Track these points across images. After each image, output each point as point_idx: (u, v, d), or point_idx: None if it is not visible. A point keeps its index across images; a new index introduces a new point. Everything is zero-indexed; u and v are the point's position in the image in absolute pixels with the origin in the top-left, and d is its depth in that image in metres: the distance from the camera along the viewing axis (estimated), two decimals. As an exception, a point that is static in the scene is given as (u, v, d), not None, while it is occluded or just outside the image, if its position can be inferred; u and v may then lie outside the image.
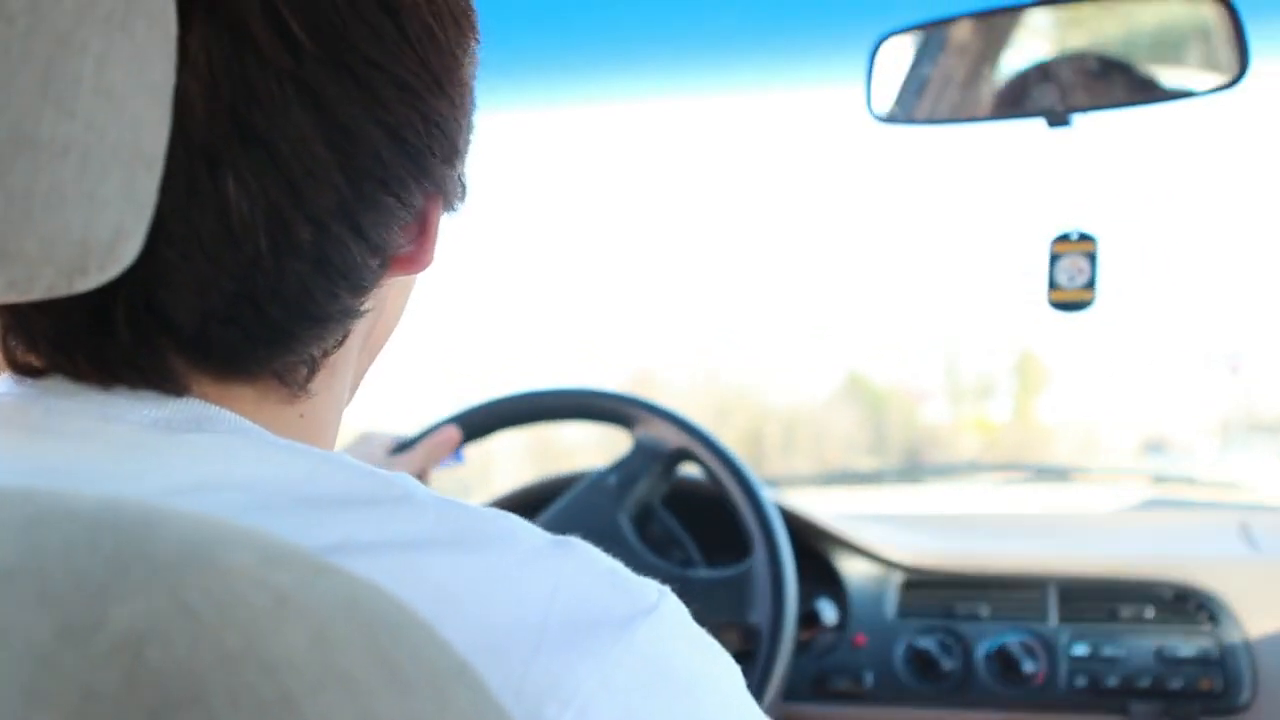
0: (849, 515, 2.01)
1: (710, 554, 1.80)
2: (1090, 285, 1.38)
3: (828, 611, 1.85)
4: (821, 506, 2.00)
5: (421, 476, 1.64)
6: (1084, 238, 1.39)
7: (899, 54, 1.25)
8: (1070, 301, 1.39)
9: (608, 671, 0.54)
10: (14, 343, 0.60)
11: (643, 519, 1.73)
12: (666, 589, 0.60)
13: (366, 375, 0.75)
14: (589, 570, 0.58)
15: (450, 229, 0.71)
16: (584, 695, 0.54)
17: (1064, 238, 1.39)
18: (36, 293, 0.43)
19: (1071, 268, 1.38)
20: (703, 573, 1.70)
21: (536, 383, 1.80)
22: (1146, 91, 1.18)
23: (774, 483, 2.31)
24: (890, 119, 1.24)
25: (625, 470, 1.72)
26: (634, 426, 1.75)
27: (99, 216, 0.43)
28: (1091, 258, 1.38)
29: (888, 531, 1.97)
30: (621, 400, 1.76)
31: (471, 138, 0.68)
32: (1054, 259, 1.39)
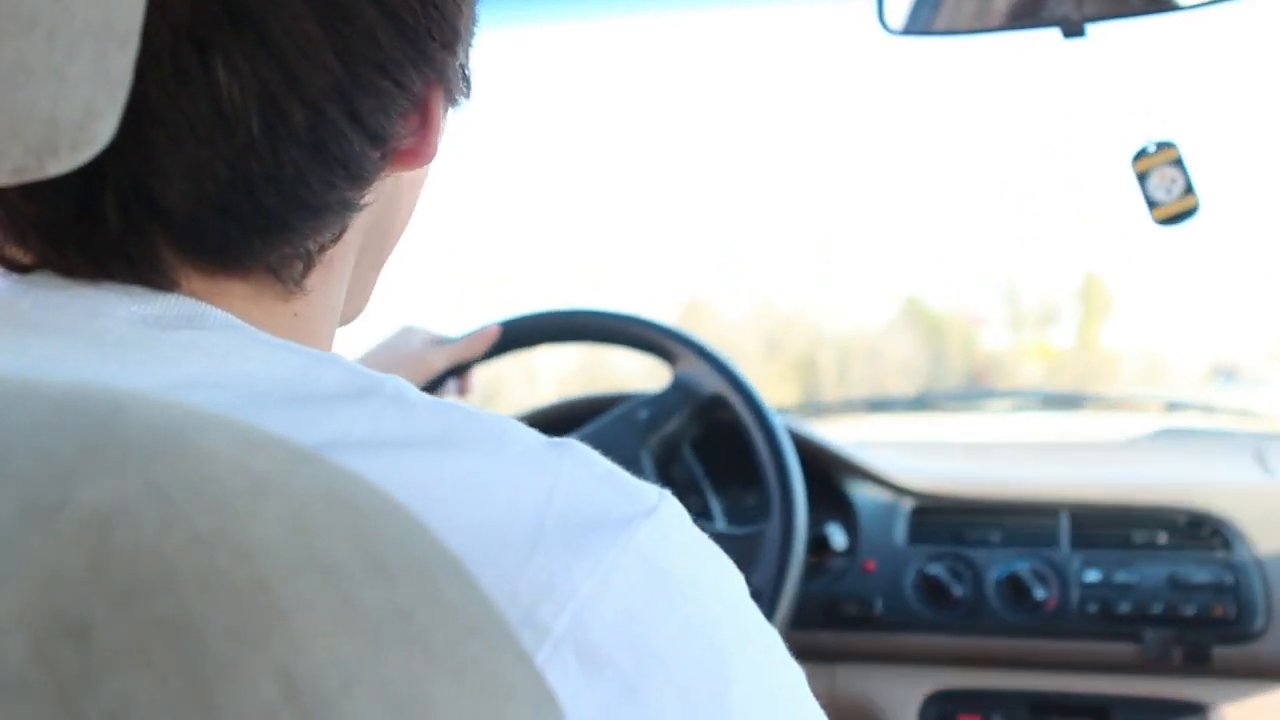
0: (862, 443, 2.00)
1: (729, 497, 1.79)
2: (1190, 189, 1.33)
3: (837, 536, 1.84)
4: (835, 434, 1.99)
5: (462, 371, 1.65)
6: (1163, 146, 1.33)
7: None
8: (1176, 214, 1.33)
9: (606, 573, 0.53)
10: (3, 236, 0.59)
11: (666, 459, 1.70)
12: (666, 491, 0.59)
13: (377, 281, 0.74)
14: (587, 470, 0.57)
15: (476, 130, 0.69)
16: (581, 597, 0.52)
17: (1142, 153, 1.34)
18: (3, 173, 0.41)
19: (1164, 180, 1.33)
20: (716, 526, 1.69)
21: (575, 299, 1.77)
22: (1164, 0, 1.15)
23: (785, 410, 2.29)
24: (904, 31, 1.22)
25: (658, 406, 1.68)
26: (675, 362, 1.70)
27: (68, 94, 0.42)
28: (1179, 163, 1.33)
29: (899, 457, 1.96)
30: (666, 333, 1.71)
31: (474, 27, 0.66)
32: (1141, 178, 1.33)
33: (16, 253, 0.59)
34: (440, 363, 1.60)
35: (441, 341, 1.62)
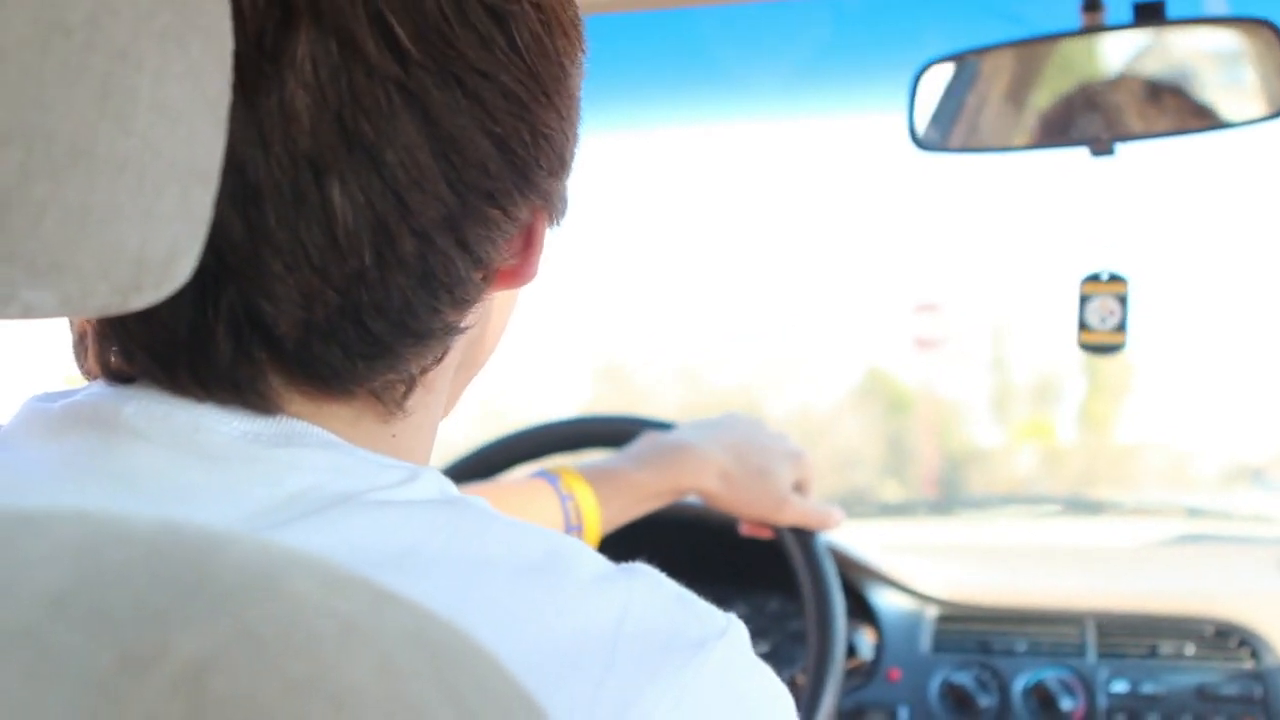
0: (880, 546, 1.99)
1: (752, 603, 1.77)
2: (1121, 328, 1.36)
3: (864, 646, 1.82)
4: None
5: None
6: (1114, 278, 1.37)
7: (941, 82, 1.24)
8: (1101, 344, 1.37)
9: (679, 696, 0.54)
10: (109, 349, 0.60)
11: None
12: (733, 615, 0.60)
13: (463, 392, 0.75)
14: (657, 592, 0.58)
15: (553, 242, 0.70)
16: None
17: (1094, 278, 1.37)
18: (90, 310, 0.42)
19: (1102, 309, 1.36)
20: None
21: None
22: (1196, 120, 1.17)
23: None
24: (932, 146, 1.23)
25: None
26: None
27: (155, 233, 0.42)
28: (1122, 299, 1.36)
29: (922, 564, 1.95)
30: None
31: (577, 151, 0.67)
32: (1084, 300, 1.37)
33: (119, 364, 0.60)
34: (787, 520, 1.43)
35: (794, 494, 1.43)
